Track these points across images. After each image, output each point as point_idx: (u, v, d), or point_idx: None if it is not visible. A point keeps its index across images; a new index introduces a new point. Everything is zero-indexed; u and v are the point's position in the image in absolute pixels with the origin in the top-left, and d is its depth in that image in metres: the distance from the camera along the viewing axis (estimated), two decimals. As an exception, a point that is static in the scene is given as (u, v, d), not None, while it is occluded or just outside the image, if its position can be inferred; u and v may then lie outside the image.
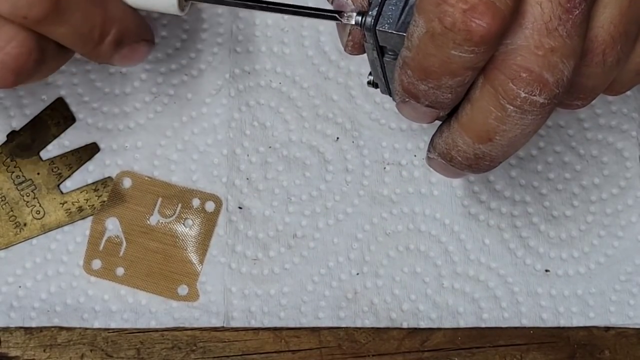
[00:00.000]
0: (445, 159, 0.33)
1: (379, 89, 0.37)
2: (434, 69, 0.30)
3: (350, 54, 0.35)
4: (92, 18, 0.35)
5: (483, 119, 0.31)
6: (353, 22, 0.33)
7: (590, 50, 0.31)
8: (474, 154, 0.32)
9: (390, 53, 0.33)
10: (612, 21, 0.31)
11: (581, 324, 0.44)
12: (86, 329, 0.43)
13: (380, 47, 0.33)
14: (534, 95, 0.30)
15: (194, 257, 0.44)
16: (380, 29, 0.32)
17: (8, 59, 0.33)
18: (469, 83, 0.31)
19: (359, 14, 0.33)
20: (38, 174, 0.45)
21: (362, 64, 0.47)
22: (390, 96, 0.36)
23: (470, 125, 0.32)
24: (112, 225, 0.45)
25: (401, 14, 0.32)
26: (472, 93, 0.31)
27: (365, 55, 0.37)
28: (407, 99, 0.32)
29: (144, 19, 0.38)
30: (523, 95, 0.30)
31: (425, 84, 0.31)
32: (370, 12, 0.32)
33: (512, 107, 0.30)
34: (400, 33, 0.32)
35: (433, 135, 0.34)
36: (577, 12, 0.29)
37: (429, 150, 0.34)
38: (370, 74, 0.36)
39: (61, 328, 0.43)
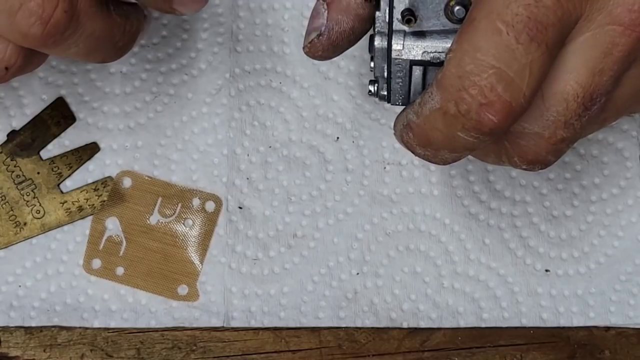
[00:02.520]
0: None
1: (377, 98, 0.38)
2: (436, 141, 0.32)
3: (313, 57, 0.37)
4: None
5: (484, 156, 0.35)
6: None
7: (597, 117, 0.33)
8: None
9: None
10: (621, 97, 0.33)
11: (581, 324, 0.44)
12: (86, 328, 0.43)
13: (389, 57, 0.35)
14: (533, 169, 0.34)
15: (194, 257, 0.44)
16: (395, 104, 0.36)
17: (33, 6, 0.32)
18: (463, 158, 0.34)
19: (370, 82, 0.37)
20: (38, 173, 0.45)
21: (362, 65, 0.47)
22: (389, 102, 0.37)
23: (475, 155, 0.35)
24: (112, 225, 0.45)
25: (409, 90, 0.35)
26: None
27: (364, 55, 0.38)
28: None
29: None
30: (524, 167, 0.33)
31: (422, 150, 0.33)
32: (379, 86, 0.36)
33: (510, 165, 0.34)
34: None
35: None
36: (596, 107, 0.31)
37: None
38: (370, 82, 0.37)
39: (61, 328, 0.43)
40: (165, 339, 0.44)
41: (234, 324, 0.44)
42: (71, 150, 0.45)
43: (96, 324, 0.43)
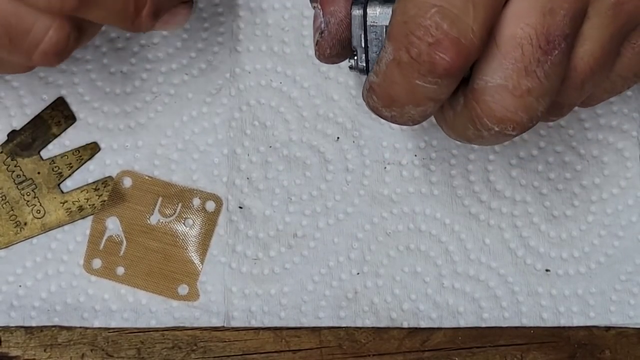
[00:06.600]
0: None
1: (357, 72, 0.37)
2: (398, 97, 0.32)
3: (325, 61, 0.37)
4: None
5: (463, 128, 0.34)
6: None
7: (569, 78, 0.32)
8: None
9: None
10: (592, 54, 0.32)
11: (581, 324, 0.44)
12: (86, 328, 0.43)
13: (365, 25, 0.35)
14: (507, 130, 0.32)
15: (194, 257, 0.44)
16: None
17: (48, 47, 0.34)
18: (431, 114, 0.33)
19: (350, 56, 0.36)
20: (38, 173, 0.45)
21: (362, 64, 0.47)
22: (367, 73, 0.36)
23: (453, 129, 0.34)
24: (113, 225, 0.45)
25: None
26: (455, 104, 0.33)
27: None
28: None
29: None
30: (497, 129, 0.32)
31: (389, 111, 0.33)
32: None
33: (486, 132, 0.33)
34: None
35: None
36: (557, 52, 0.31)
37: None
38: (351, 57, 0.37)
39: (62, 328, 0.43)
40: (165, 339, 0.44)
41: (234, 323, 0.44)
42: (71, 150, 0.45)
43: (96, 324, 0.43)
